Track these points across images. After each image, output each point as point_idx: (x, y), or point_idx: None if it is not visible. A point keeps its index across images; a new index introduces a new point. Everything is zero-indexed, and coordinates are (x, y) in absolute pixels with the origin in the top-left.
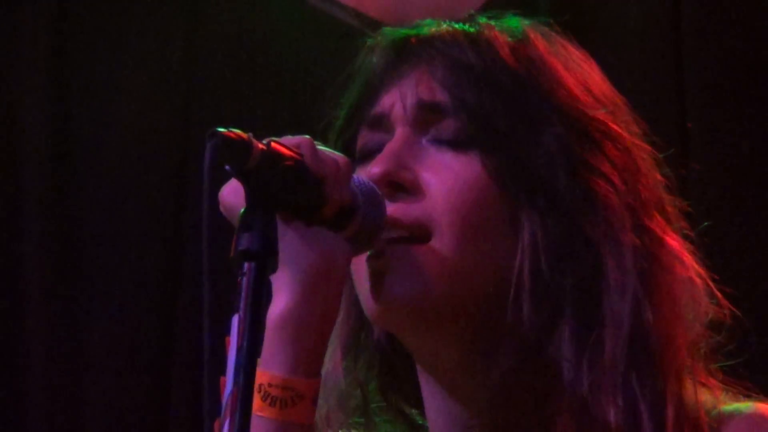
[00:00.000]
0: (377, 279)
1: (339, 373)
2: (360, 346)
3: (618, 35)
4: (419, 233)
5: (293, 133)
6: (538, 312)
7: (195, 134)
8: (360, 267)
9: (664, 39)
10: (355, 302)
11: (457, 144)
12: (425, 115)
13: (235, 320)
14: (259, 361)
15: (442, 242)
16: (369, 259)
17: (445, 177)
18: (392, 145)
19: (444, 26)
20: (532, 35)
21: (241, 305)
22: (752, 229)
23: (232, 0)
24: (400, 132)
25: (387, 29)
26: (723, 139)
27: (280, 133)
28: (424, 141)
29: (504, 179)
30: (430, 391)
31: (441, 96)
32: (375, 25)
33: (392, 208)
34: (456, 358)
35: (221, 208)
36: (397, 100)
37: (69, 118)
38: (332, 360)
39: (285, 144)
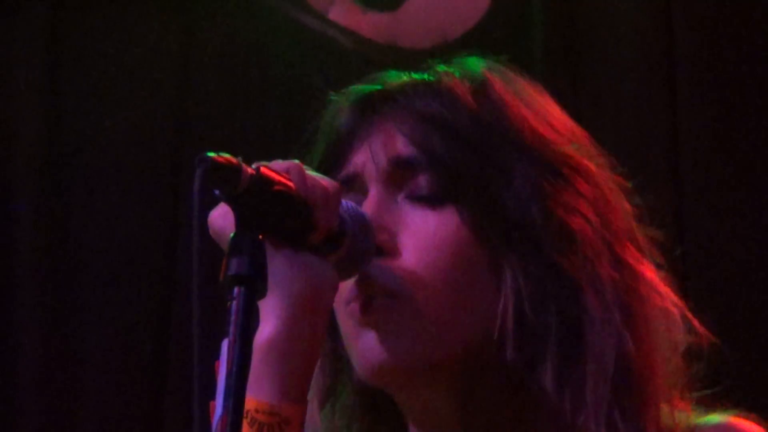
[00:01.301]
0: (367, 339)
1: (316, 421)
2: (339, 391)
3: (612, 65)
4: (401, 293)
5: (284, 154)
6: (522, 352)
7: (187, 152)
8: (345, 324)
9: (657, 65)
10: (333, 347)
11: (431, 200)
12: (398, 172)
13: (225, 345)
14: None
15: (426, 299)
16: (355, 316)
17: (421, 237)
18: (367, 206)
19: (404, 78)
20: (490, 77)
21: (231, 330)
22: (743, 257)
23: (225, 19)
24: (374, 193)
25: (351, 88)
26: (714, 165)
27: (271, 152)
28: (399, 198)
29: (481, 229)
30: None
31: (411, 151)
32: (369, 45)
33: (374, 270)
34: (448, 406)
35: (210, 232)
36: (368, 159)
37: (61, 132)
38: (309, 408)
39: (274, 169)
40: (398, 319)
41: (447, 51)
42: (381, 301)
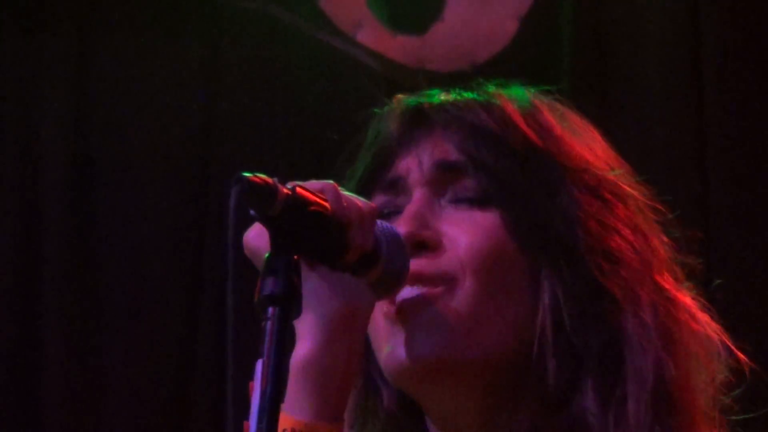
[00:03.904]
0: (400, 336)
1: None
2: (369, 415)
3: (639, 88)
4: (442, 285)
5: (312, 172)
6: (562, 367)
7: (213, 173)
8: (377, 325)
9: (685, 88)
10: (364, 370)
11: (476, 202)
12: (443, 176)
13: (259, 365)
14: (283, 405)
15: (465, 292)
16: (389, 315)
17: (467, 229)
18: (412, 206)
19: (454, 94)
20: (538, 104)
21: (265, 349)
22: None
23: (251, 38)
24: (418, 193)
25: (399, 98)
26: (742, 186)
27: (297, 171)
28: (442, 201)
29: (523, 237)
30: None
31: (458, 156)
32: (396, 67)
33: (416, 264)
34: (478, 416)
35: (246, 252)
36: (413, 163)
37: (89, 151)
38: None
39: (309, 189)
40: (433, 314)
41: (476, 74)
42: (417, 300)
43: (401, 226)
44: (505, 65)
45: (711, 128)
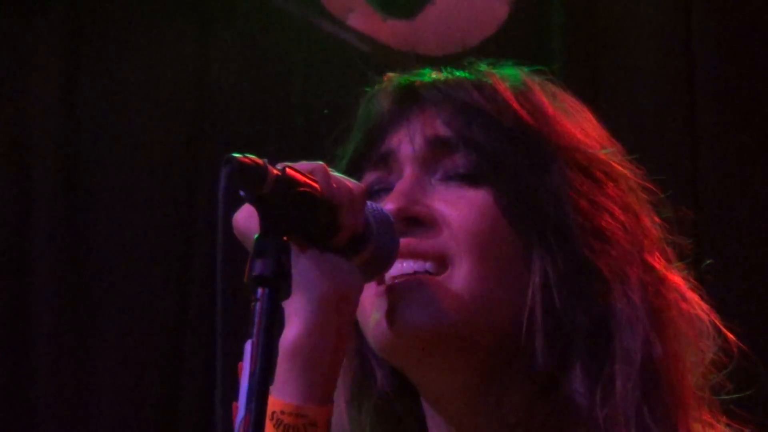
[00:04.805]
0: (390, 308)
1: (344, 421)
2: (363, 395)
3: (631, 74)
4: (436, 262)
5: (303, 156)
6: (550, 347)
7: (204, 159)
8: (367, 300)
9: (677, 72)
10: (358, 350)
11: (467, 178)
12: (433, 153)
13: (249, 346)
14: (272, 388)
15: (460, 269)
16: (380, 290)
17: (459, 207)
18: (403, 183)
19: (446, 73)
20: (530, 83)
21: (255, 331)
22: (759, 269)
23: (245, 24)
24: (409, 171)
25: (390, 76)
26: (732, 172)
27: (291, 158)
28: (432, 180)
29: (514, 216)
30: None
31: (448, 133)
32: (388, 51)
33: (408, 240)
34: (468, 393)
35: (235, 233)
36: (404, 140)
37: (78, 139)
38: (337, 408)
39: (299, 170)
40: (429, 295)
41: (467, 58)
42: (411, 282)
43: (391, 202)
44: (497, 49)
45: (702, 108)
